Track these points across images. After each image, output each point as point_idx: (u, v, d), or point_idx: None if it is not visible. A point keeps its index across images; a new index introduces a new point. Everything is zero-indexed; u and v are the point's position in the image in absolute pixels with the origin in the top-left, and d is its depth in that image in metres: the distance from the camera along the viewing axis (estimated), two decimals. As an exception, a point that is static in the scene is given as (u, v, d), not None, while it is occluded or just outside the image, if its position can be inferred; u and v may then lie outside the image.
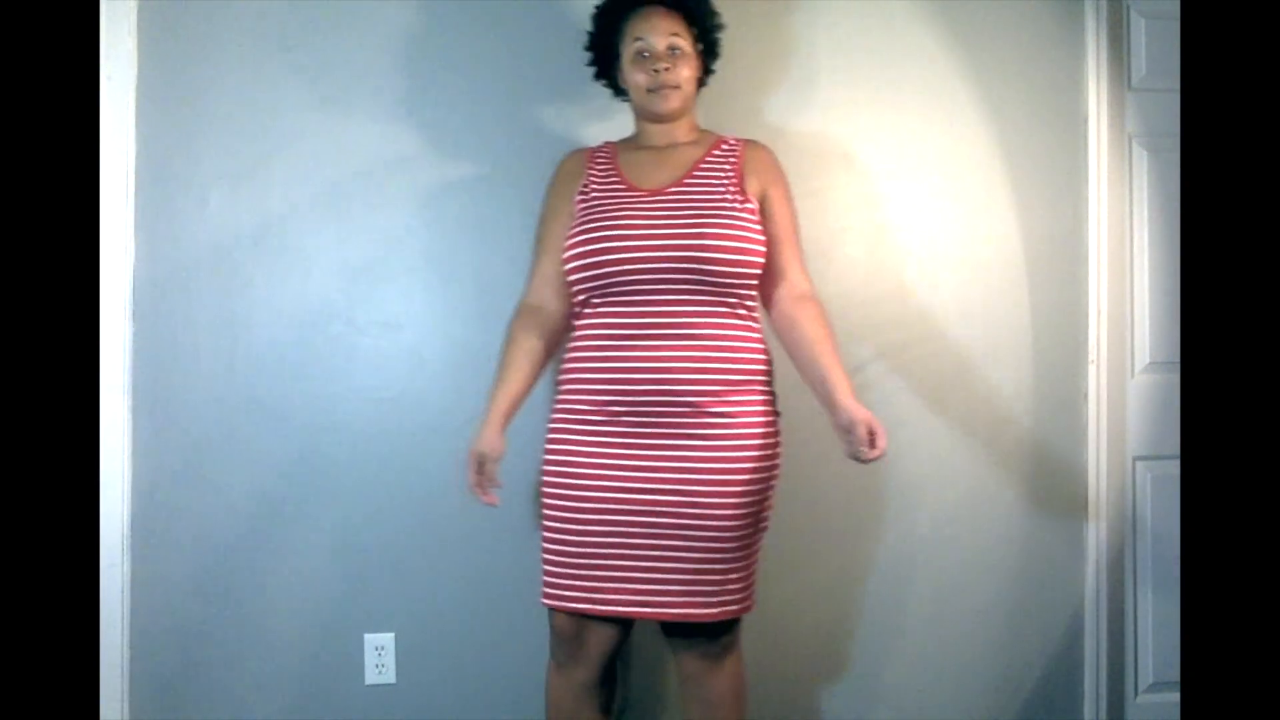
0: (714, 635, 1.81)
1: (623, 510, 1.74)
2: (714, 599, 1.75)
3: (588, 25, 1.95)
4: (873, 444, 1.70)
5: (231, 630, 2.15)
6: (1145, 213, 2.41)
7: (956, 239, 2.35)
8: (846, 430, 1.72)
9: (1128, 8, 2.41)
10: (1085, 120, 2.38)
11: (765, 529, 1.84)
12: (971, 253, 2.35)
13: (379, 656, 2.19)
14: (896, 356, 2.32)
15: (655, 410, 1.74)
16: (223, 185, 2.15)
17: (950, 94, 2.34)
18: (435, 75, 2.20)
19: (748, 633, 2.31)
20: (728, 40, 2.23)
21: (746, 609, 1.81)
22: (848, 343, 2.30)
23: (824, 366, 1.78)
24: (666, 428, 1.74)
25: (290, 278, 2.17)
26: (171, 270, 2.14)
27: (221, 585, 2.15)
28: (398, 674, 2.20)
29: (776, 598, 2.28)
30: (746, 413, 1.77)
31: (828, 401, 1.77)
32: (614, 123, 2.14)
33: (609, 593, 1.75)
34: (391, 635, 2.19)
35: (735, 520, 1.75)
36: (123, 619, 2.11)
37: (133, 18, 2.11)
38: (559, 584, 1.78)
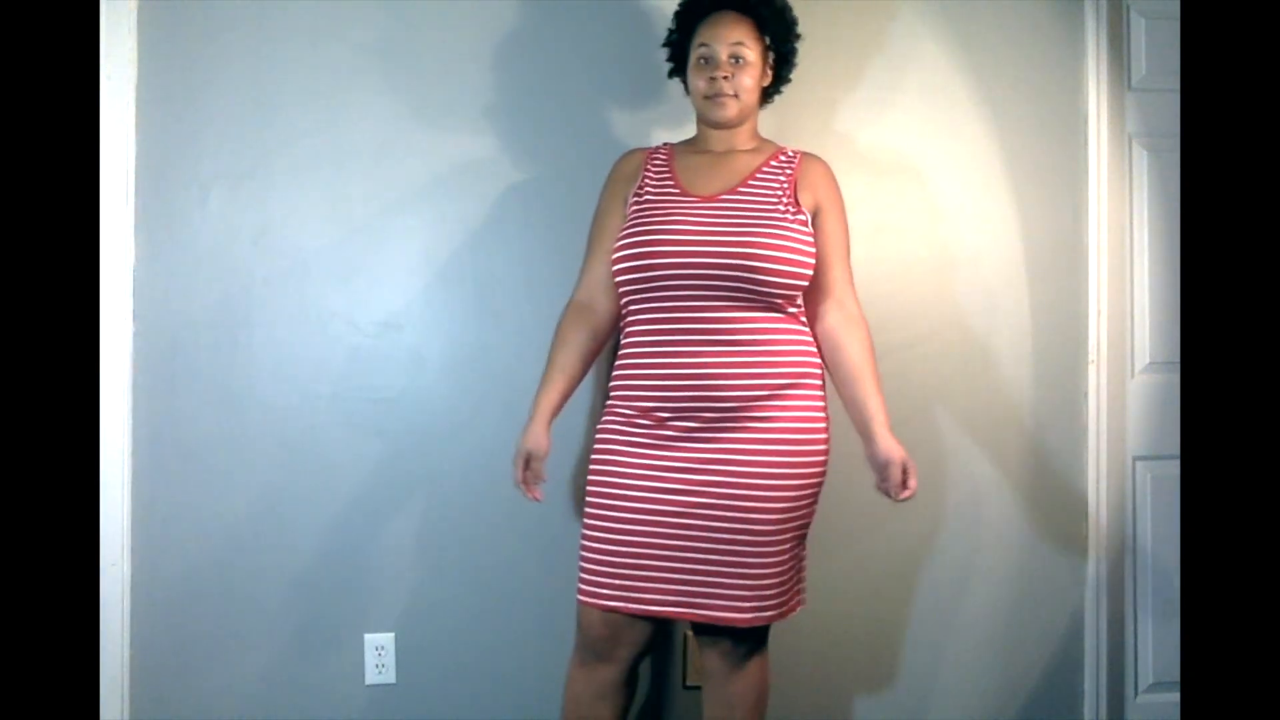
0: (740, 638, 1.81)
1: (663, 511, 1.73)
2: (748, 603, 1.74)
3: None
4: (904, 484, 1.74)
5: (231, 631, 2.15)
6: (1145, 213, 2.41)
7: (956, 239, 2.35)
8: (881, 467, 1.76)
9: (1128, 8, 2.41)
10: (1085, 120, 2.38)
11: (805, 534, 1.83)
12: (971, 253, 2.35)
13: (379, 656, 2.19)
14: (896, 356, 2.32)
15: (699, 413, 1.73)
16: (223, 185, 2.15)
17: (950, 94, 2.34)
18: (434, 74, 2.19)
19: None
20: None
21: (781, 615, 1.79)
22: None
23: (864, 395, 1.79)
24: (710, 430, 1.73)
25: (290, 278, 2.17)
26: (171, 270, 2.14)
27: (221, 585, 2.15)
28: (398, 674, 2.20)
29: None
30: (792, 415, 1.75)
31: (864, 431, 1.80)
32: (613, 125, 2.14)
33: (645, 591, 1.74)
34: (391, 635, 2.19)
35: (773, 524, 1.73)
36: (123, 619, 2.11)
37: (133, 18, 2.11)
38: (596, 582, 1.77)
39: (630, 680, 1.86)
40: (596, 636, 1.79)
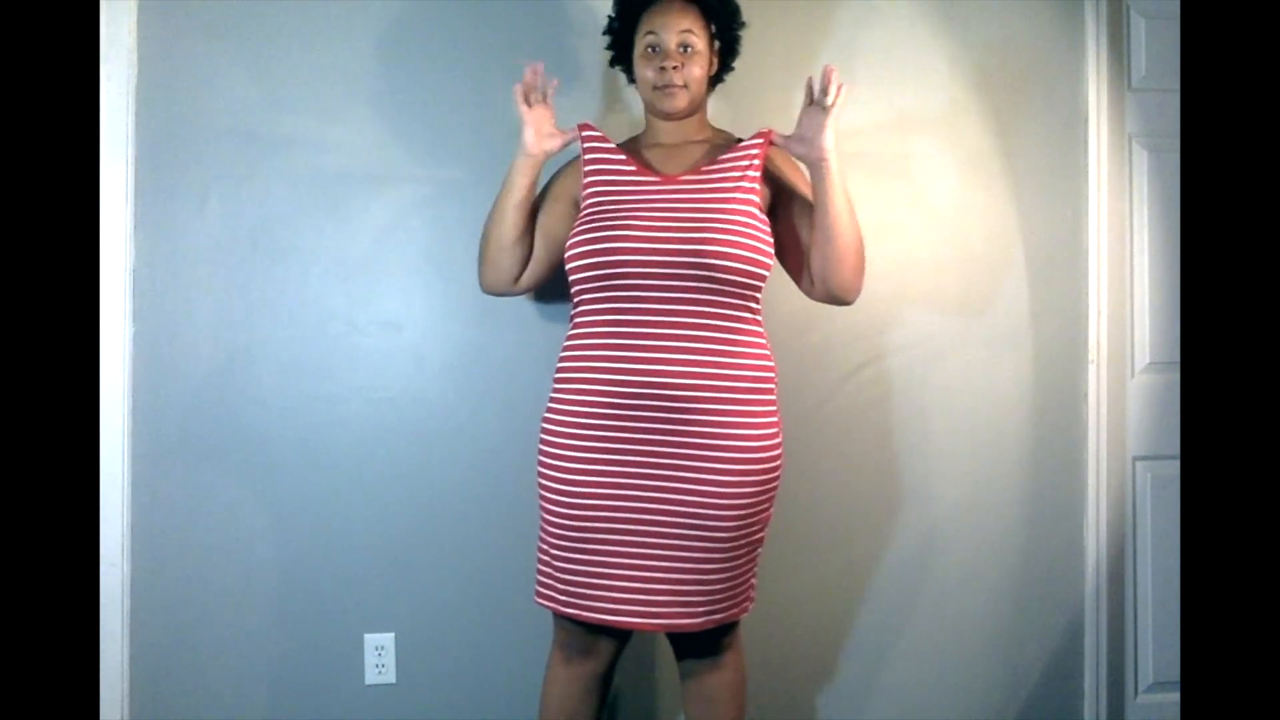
0: (712, 636, 1.80)
1: (620, 518, 1.71)
2: (701, 608, 1.72)
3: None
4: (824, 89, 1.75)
5: (231, 631, 2.15)
6: (1145, 213, 2.41)
7: (957, 239, 2.35)
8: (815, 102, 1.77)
9: (1128, 8, 2.41)
10: (1085, 120, 2.38)
11: (761, 540, 1.80)
12: (972, 253, 2.35)
13: (379, 656, 2.19)
14: (896, 356, 2.32)
15: (654, 415, 1.69)
16: (223, 185, 2.15)
17: (950, 94, 2.34)
18: (434, 75, 2.19)
19: (749, 632, 2.31)
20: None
21: (735, 616, 1.78)
22: (848, 343, 2.31)
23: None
24: (663, 435, 1.69)
25: (290, 278, 2.17)
26: (171, 270, 2.14)
27: (221, 585, 2.15)
28: (398, 674, 2.20)
29: (778, 597, 2.28)
30: (747, 423, 1.71)
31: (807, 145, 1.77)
32: (621, 115, 2.14)
33: (602, 601, 1.73)
34: (391, 635, 2.19)
35: (731, 533, 1.71)
36: (123, 619, 2.12)
37: (133, 18, 2.11)
38: (554, 588, 1.77)
39: (611, 674, 1.86)
40: (578, 633, 1.80)
